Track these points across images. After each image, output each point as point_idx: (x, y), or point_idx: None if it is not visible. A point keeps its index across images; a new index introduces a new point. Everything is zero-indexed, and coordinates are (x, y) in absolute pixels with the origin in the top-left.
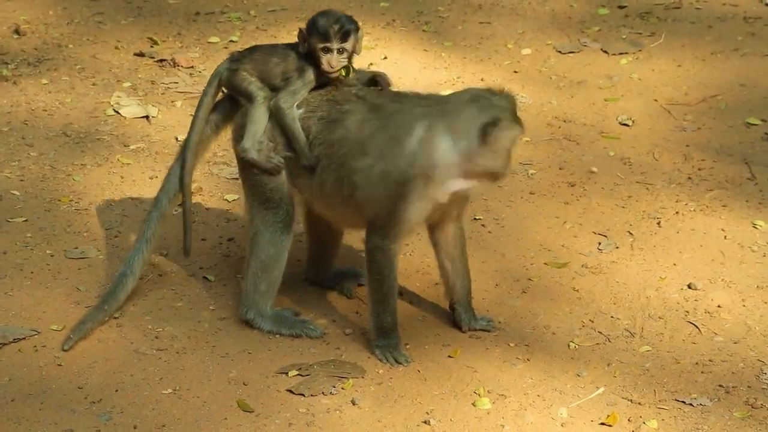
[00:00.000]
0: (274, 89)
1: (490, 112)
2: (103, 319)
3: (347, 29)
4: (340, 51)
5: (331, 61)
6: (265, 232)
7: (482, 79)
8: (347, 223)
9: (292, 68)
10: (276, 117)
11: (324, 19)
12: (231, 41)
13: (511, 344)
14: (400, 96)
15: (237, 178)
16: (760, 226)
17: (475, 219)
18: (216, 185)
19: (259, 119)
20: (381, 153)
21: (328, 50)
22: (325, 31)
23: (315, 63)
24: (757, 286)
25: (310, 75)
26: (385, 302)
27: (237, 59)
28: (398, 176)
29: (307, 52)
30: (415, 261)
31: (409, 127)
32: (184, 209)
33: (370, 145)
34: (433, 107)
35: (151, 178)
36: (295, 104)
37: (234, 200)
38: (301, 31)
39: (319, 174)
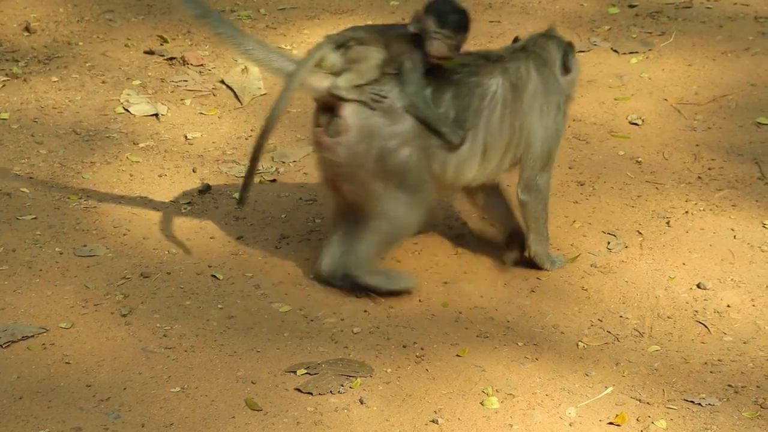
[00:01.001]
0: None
1: (565, 44)
2: None
3: (465, 22)
4: (451, 39)
5: (441, 48)
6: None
7: None
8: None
9: (403, 56)
10: (413, 113)
11: (446, 5)
12: None
13: (520, 343)
14: (503, 51)
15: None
16: None
17: (483, 218)
18: (225, 183)
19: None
20: (547, 90)
21: (439, 36)
22: (443, 18)
23: (420, 45)
24: (767, 286)
25: (420, 62)
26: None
27: (339, 40)
28: (563, 104)
29: (417, 33)
30: (423, 260)
31: (552, 59)
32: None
33: (533, 90)
34: (529, 48)
35: (160, 176)
36: (423, 92)
37: None
38: (417, 12)
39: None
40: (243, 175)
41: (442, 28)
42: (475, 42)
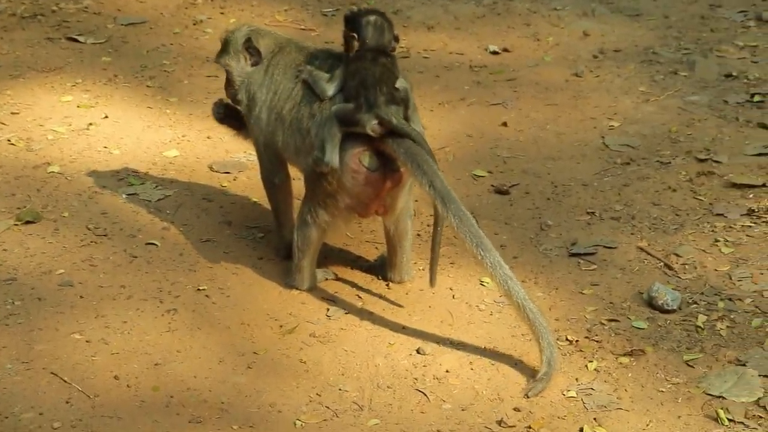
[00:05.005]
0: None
1: None
2: None
3: None
4: None
5: None
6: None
7: (209, 137)
8: None
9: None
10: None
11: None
12: None
13: (235, 426)
14: None
15: None
16: (487, 283)
17: (199, 290)
18: None
19: None
20: None
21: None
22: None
23: None
24: (485, 347)
25: None
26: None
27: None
28: None
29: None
30: (132, 340)
31: None
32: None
33: None
34: None
35: None
36: None
37: None
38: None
39: None
40: None
41: None
42: (191, 99)
